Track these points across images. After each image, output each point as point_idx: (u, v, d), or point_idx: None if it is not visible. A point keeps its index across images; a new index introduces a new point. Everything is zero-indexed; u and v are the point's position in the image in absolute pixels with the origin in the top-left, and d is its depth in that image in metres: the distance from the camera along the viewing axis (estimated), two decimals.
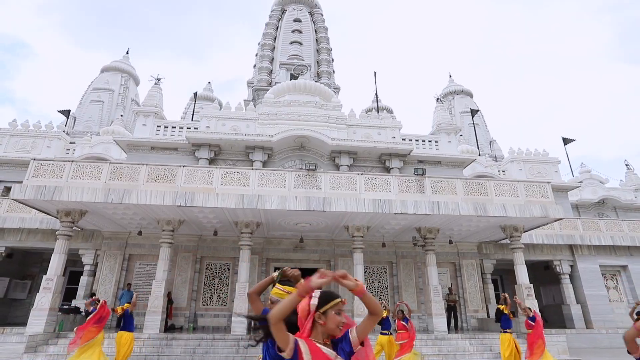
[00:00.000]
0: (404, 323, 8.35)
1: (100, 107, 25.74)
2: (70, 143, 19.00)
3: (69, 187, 10.08)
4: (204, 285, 14.02)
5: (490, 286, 15.65)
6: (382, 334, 8.70)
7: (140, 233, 13.24)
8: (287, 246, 14.58)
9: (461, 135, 23.95)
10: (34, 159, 10.41)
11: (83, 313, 12.56)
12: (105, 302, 8.00)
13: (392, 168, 16.07)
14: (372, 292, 14.45)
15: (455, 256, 15.31)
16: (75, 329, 7.80)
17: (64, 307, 12.48)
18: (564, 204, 19.70)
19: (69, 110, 23.09)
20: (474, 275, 15.16)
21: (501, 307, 8.51)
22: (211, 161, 15.54)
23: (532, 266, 18.17)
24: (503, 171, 21.13)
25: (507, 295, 8.83)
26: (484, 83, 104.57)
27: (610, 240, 16.41)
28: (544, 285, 18.00)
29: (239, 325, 10.85)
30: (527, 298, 11.72)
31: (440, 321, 11.72)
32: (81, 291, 13.85)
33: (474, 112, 26.23)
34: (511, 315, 8.38)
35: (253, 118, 16.45)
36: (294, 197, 10.85)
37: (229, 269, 14.24)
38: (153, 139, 15.61)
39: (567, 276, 16.28)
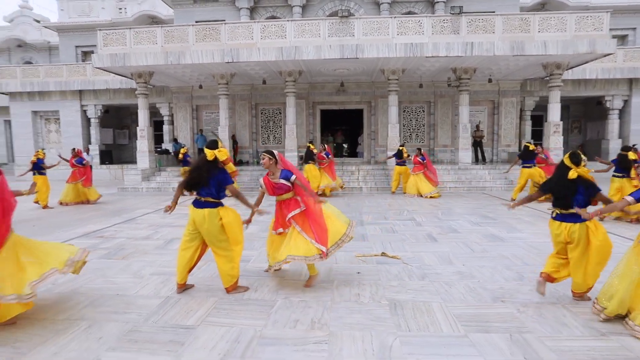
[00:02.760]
0: (419, 160, 10.29)
1: None
2: (119, 1, 19.76)
3: (134, 53, 11.73)
4: (261, 127, 16.48)
5: (528, 122, 16.10)
6: (397, 164, 10.89)
7: (200, 87, 15.24)
8: (330, 90, 15.79)
9: None
10: (100, 29, 11.87)
11: (172, 154, 16.04)
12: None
13: (438, 2, 15.00)
14: (409, 130, 15.95)
15: (495, 94, 15.49)
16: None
17: (157, 149, 15.94)
18: None
19: None
20: (511, 112, 15.56)
21: (530, 145, 9.26)
22: (252, 10, 15.78)
23: (584, 102, 17.75)
24: None
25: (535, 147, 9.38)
26: None
27: None
28: (592, 121, 17.85)
29: (291, 160, 13.37)
30: (554, 134, 12.39)
31: (465, 154, 13.19)
32: (166, 137, 17.30)
33: None
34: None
35: None
36: (328, 46, 11.49)
37: (280, 113, 16.26)
38: None
39: (617, 111, 15.91)
